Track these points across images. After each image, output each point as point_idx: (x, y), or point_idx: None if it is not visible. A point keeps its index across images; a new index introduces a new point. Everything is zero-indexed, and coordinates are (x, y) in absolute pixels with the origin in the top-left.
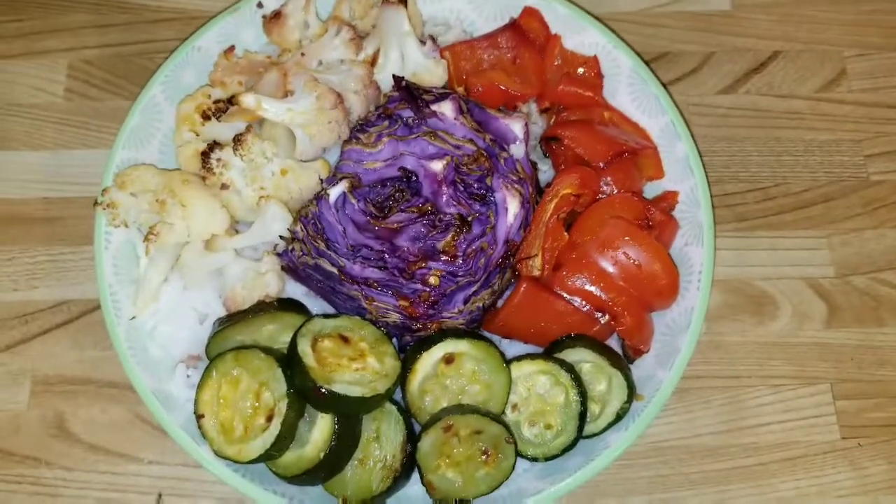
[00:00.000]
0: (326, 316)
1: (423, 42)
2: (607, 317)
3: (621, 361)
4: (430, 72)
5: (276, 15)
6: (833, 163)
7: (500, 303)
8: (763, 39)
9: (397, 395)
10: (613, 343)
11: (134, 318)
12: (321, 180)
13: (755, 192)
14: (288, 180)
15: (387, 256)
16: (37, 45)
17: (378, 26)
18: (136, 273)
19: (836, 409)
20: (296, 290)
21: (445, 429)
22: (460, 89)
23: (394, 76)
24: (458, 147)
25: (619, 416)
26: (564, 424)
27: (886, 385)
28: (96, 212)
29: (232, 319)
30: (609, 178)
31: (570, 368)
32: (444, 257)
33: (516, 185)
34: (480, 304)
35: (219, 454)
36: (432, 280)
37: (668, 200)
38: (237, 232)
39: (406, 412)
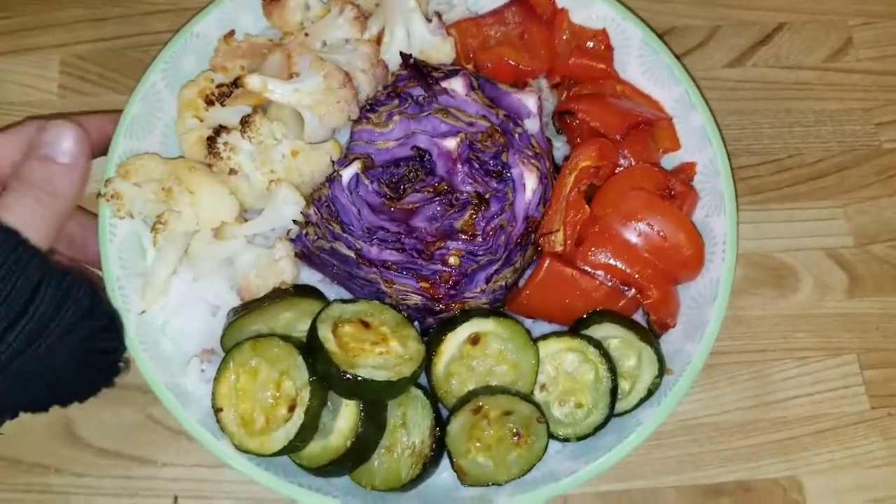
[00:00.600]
0: (345, 301)
1: (428, 19)
2: (633, 290)
3: (649, 336)
4: (437, 49)
5: None
6: (845, 132)
7: (522, 282)
8: (768, 11)
9: (422, 380)
10: (638, 319)
11: (144, 312)
12: (333, 162)
13: (768, 165)
14: (299, 162)
15: (404, 238)
16: (26, 41)
17: (382, 4)
18: (143, 266)
19: (864, 380)
20: (311, 278)
21: (475, 411)
22: (469, 66)
23: (401, 53)
24: (471, 124)
25: (651, 392)
26: (595, 402)
27: None
28: (100, 203)
29: (247, 309)
30: (626, 151)
31: (598, 344)
32: (462, 236)
33: (533, 161)
34: (503, 283)
35: (240, 448)
36: (452, 260)
37: (685, 172)
38: (247, 220)
39: (432, 396)
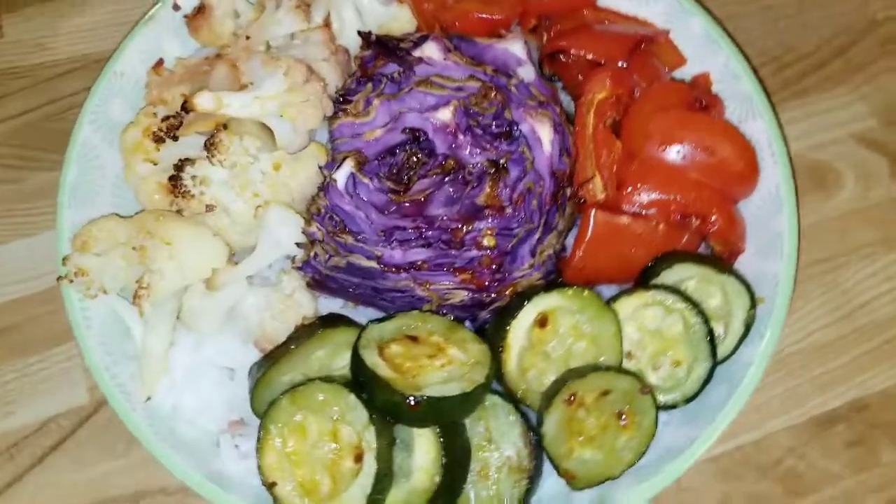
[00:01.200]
0: (380, 321)
1: None
2: (693, 220)
3: (727, 266)
4: (395, 19)
5: (200, 9)
6: (833, 14)
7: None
8: None
9: (494, 386)
10: None
11: (149, 399)
12: (321, 168)
13: (769, 66)
14: (284, 177)
15: (426, 232)
16: None
17: None
18: (132, 348)
19: None
20: (331, 306)
21: (567, 401)
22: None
23: (360, 33)
24: (459, 88)
25: (748, 327)
26: (693, 355)
27: None
28: (62, 288)
29: (271, 359)
30: (634, 77)
31: (675, 291)
32: (489, 213)
33: (540, 110)
34: (550, 252)
35: None
36: (487, 241)
37: (700, 85)
38: (238, 263)
39: (512, 399)
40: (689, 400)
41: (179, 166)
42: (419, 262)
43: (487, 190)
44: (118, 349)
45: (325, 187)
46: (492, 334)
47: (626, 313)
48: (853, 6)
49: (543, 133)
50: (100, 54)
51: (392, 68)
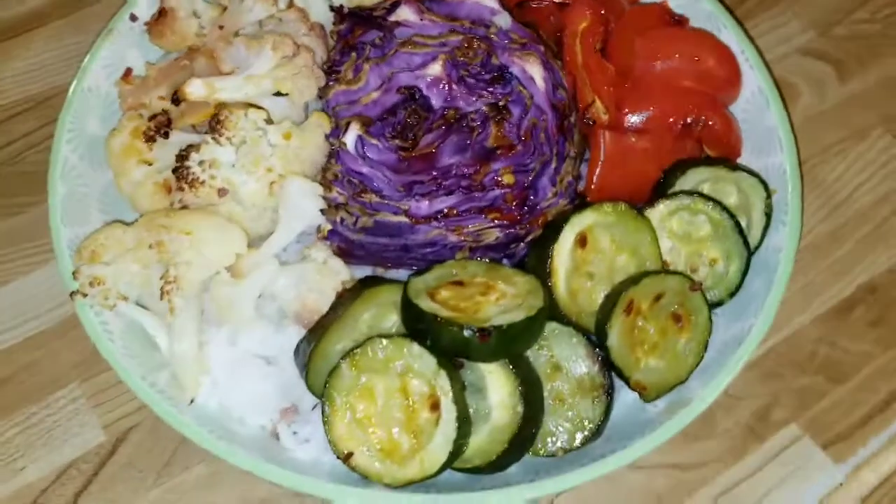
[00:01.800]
0: (419, 273)
1: None
2: (697, 126)
3: (735, 163)
4: None
5: (161, 14)
6: None
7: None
8: None
9: None
10: None
11: (193, 401)
12: (327, 137)
13: None
14: (294, 147)
15: (444, 181)
16: None
17: None
18: (160, 358)
19: None
20: (359, 275)
21: (627, 311)
22: None
23: (332, 8)
24: (442, 44)
25: (769, 214)
26: (727, 249)
27: None
28: (77, 305)
29: (319, 330)
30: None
31: (694, 192)
32: (501, 152)
33: (525, 51)
34: (570, 178)
35: (397, 484)
36: (506, 179)
37: (661, 7)
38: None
39: (568, 324)
40: (732, 294)
41: (184, 154)
42: (447, 209)
43: (494, 132)
44: (146, 360)
45: (336, 154)
46: (534, 266)
47: (654, 224)
48: None
49: (534, 71)
50: (50, 92)
51: (372, 35)
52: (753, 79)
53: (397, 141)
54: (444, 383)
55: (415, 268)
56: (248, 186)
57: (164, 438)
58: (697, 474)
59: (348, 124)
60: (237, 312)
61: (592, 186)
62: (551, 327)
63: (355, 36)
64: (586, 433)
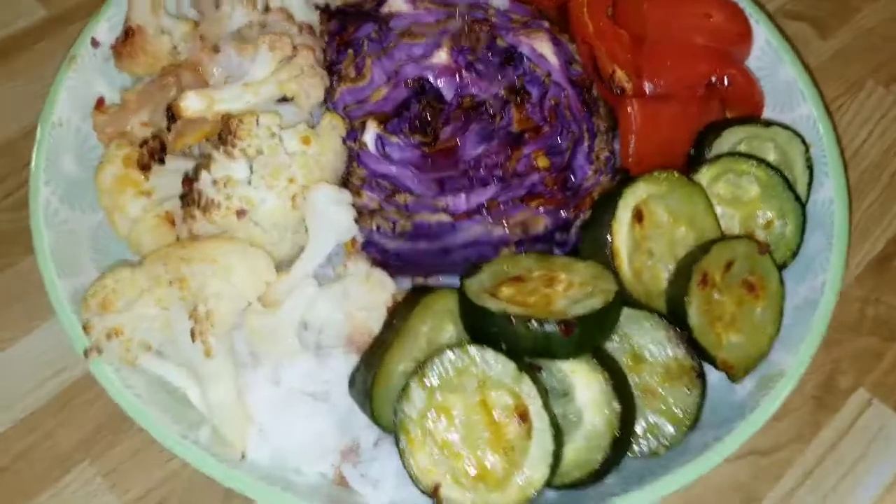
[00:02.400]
0: (471, 276)
1: None
2: (719, 84)
3: (768, 119)
4: None
5: (128, 34)
6: None
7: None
8: None
9: None
10: None
11: (244, 457)
12: (343, 140)
13: None
14: (313, 153)
15: (476, 174)
16: None
17: None
18: (195, 414)
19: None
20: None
21: (701, 283)
22: None
23: (319, 8)
24: (443, 31)
25: (811, 167)
26: (781, 207)
27: None
28: (93, 366)
29: (375, 352)
30: None
31: (735, 153)
32: (528, 136)
33: (530, 29)
34: (606, 154)
35: None
36: (540, 162)
37: None
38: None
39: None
40: (795, 253)
41: (192, 177)
42: (488, 201)
43: (516, 115)
44: (180, 416)
45: (357, 157)
46: (590, 251)
47: None
48: None
49: (544, 48)
50: (15, 132)
51: (367, 30)
52: (761, 32)
53: (417, 136)
54: (528, 389)
55: (455, 269)
56: (267, 204)
57: None
58: (778, 457)
59: (364, 124)
60: (280, 345)
61: (630, 159)
62: (626, 314)
63: (349, 32)
64: (686, 424)
